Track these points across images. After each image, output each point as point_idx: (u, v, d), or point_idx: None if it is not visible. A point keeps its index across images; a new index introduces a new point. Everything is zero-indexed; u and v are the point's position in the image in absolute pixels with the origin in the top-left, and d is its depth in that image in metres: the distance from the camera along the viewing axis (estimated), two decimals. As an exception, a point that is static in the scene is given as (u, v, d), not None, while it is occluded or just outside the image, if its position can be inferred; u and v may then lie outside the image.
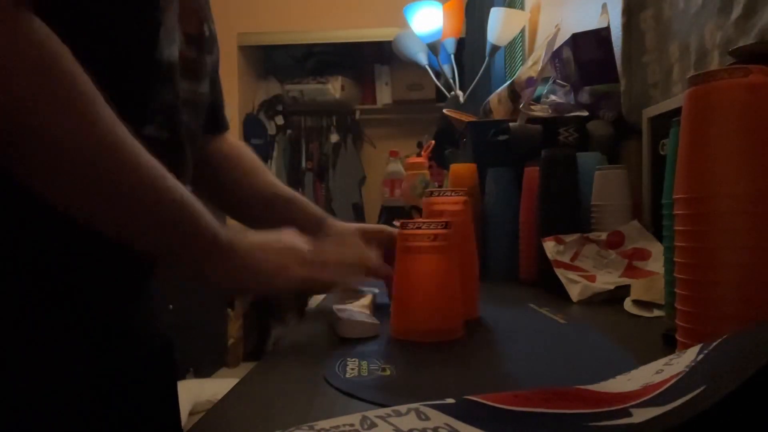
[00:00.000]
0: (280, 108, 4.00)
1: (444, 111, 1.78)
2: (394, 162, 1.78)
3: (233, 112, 3.66)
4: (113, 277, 0.58)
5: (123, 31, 0.51)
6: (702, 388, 0.27)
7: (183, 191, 0.51)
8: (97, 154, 0.45)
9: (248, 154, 0.81)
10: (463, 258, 0.66)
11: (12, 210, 0.49)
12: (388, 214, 1.88)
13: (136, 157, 0.47)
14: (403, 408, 0.30)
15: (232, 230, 0.56)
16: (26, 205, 0.48)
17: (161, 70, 0.54)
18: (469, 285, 0.68)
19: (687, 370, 0.30)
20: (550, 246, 0.86)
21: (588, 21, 1.40)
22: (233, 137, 0.83)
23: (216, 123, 0.78)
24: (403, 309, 0.60)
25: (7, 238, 0.49)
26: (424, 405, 0.30)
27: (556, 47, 1.31)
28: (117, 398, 0.57)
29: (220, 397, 0.43)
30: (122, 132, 0.46)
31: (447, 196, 0.71)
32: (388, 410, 0.30)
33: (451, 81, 2.62)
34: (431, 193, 0.72)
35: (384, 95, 4.04)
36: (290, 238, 0.61)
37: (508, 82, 1.54)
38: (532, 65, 1.44)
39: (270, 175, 0.80)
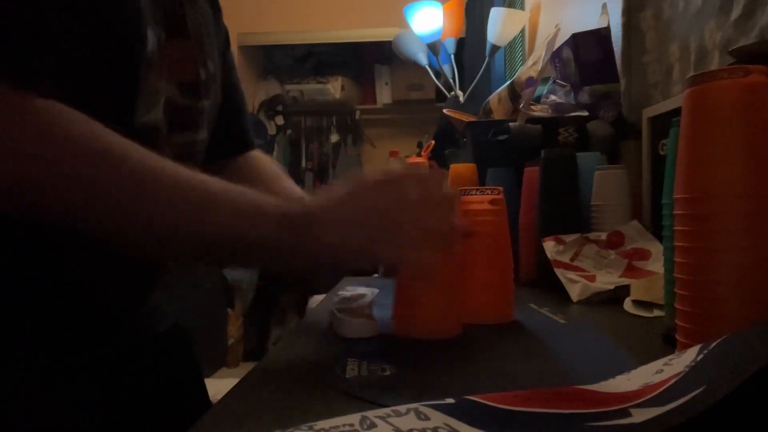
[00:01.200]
0: (280, 108, 4.00)
1: (444, 111, 1.78)
2: (394, 162, 1.78)
3: (233, 112, 3.65)
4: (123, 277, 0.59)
5: (97, 100, 0.49)
6: (702, 388, 0.27)
7: (224, 184, 0.49)
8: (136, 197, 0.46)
9: (267, 164, 0.80)
10: (498, 258, 0.66)
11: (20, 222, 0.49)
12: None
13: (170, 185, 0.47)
14: (402, 408, 0.30)
15: (301, 201, 0.51)
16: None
17: (140, 135, 0.52)
18: (505, 288, 0.68)
19: (687, 370, 0.30)
20: (549, 246, 0.86)
21: (588, 21, 1.40)
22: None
23: (239, 144, 0.78)
24: (410, 305, 0.60)
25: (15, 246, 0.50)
26: (424, 405, 0.30)
27: (556, 47, 1.31)
28: (132, 383, 0.59)
29: (220, 397, 0.43)
30: (153, 165, 0.47)
31: (477, 195, 0.67)
32: (387, 410, 0.30)
33: (451, 81, 2.62)
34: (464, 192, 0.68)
35: (384, 95, 4.03)
36: (372, 196, 0.51)
37: (508, 82, 1.54)
38: (532, 65, 1.44)
39: (289, 182, 0.78)
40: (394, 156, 1.82)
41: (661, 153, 0.91)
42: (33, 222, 0.46)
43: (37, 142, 0.44)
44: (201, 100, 0.62)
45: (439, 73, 2.72)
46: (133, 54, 0.51)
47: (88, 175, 0.45)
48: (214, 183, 0.49)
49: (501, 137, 1.17)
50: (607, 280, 0.79)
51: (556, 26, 1.58)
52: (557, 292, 0.80)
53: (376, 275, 0.59)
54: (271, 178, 0.77)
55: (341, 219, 0.50)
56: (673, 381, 0.30)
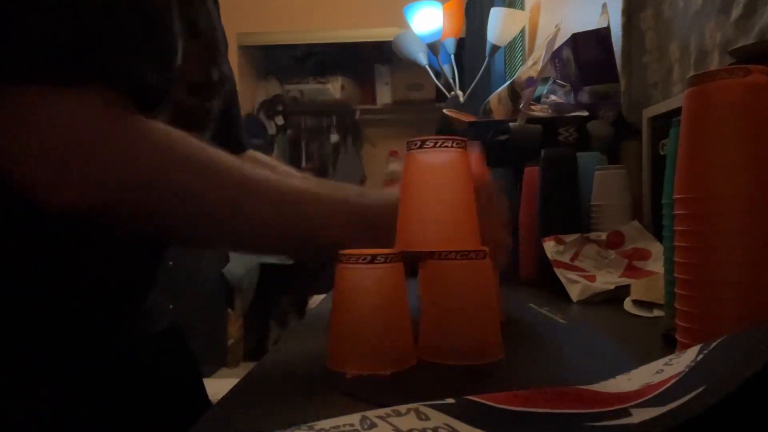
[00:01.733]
0: (280, 108, 4.00)
1: (444, 111, 1.78)
2: (394, 162, 1.78)
3: (233, 112, 3.65)
4: (120, 279, 0.59)
5: None
6: (702, 388, 0.27)
7: (304, 188, 0.54)
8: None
9: (267, 162, 0.81)
10: None
11: (20, 221, 0.49)
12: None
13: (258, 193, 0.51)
14: (402, 408, 0.30)
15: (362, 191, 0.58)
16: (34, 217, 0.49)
17: None
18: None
19: (687, 370, 0.30)
20: (549, 246, 0.86)
21: (588, 21, 1.40)
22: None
23: (235, 146, 0.78)
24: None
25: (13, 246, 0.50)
26: (424, 405, 0.30)
27: (556, 47, 1.31)
28: (130, 384, 0.58)
29: (220, 397, 0.43)
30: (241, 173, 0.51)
31: None
32: (387, 410, 0.30)
33: (451, 81, 2.62)
34: None
35: (384, 95, 4.03)
36: None
37: (508, 82, 1.54)
38: (532, 65, 1.44)
39: (298, 178, 0.79)
40: (394, 156, 1.82)
41: (661, 153, 0.91)
42: (127, 231, 0.50)
43: (159, 160, 0.47)
44: (209, 101, 0.61)
45: (439, 73, 2.72)
46: (167, 71, 0.51)
47: (199, 188, 0.48)
48: (302, 185, 0.54)
49: (501, 137, 1.17)
50: (607, 280, 0.79)
51: (556, 26, 1.58)
52: (557, 292, 0.80)
53: None
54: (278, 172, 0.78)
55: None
56: (673, 381, 0.30)
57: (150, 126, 0.47)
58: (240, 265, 3.31)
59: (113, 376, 0.57)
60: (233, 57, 3.63)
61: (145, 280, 0.64)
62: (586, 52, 1.19)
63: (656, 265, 0.78)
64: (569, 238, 0.86)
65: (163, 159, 0.47)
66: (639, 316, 0.67)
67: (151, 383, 0.62)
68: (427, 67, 2.75)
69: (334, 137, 4.00)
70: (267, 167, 0.78)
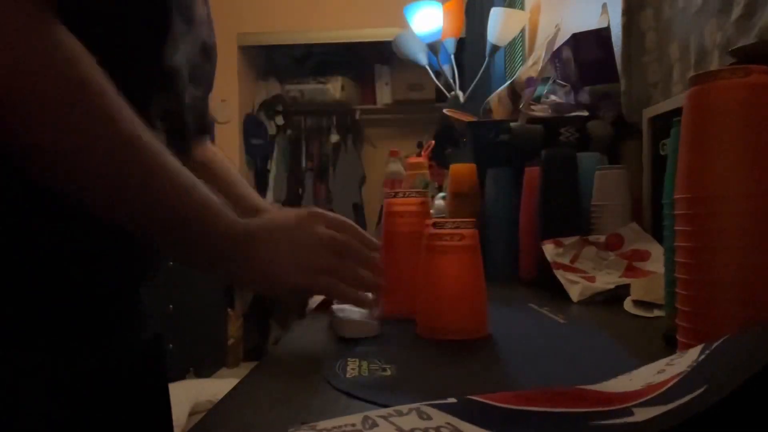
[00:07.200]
0: (280, 108, 4.00)
1: (444, 111, 1.78)
2: (394, 162, 1.78)
3: (233, 112, 3.65)
4: (102, 283, 0.57)
5: (128, 38, 0.51)
6: (703, 388, 0.27)
7: (201, 187, 0.51)
8: (116, 150, 0.46)
9: (228, 164, 0.80)
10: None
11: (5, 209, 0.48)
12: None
13: (154, 154, 0.48)
14: (404, 408, 0.30)
15: (252, 220, 0.56)
16: (21, 206, 0.48)
17: (162, 77, 0.54)
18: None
19: (689, 370, 0.30)
20: (549, 249, 0.86)
21: (588, 21, 1.40)
22: (231, 137, 0.81)
23: (203, 126, 0.78)
24: (434, 307, 0.61)
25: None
26: (426, 405, 0.30)
27: (556, 47, 1.31)
28: (101, 400, 0.56)
29: (220, 397, 0.43)
30: (141, 129, 0.48)
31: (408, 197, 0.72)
32: (389, 410, 0.30)
33: (451, 81, 2.62)
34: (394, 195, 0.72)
35: (384, 95, 4.04)
36: (310, 226, 0.57)
37: (508, 82, 1.54)
38: (532, 65, 1.44)
39: (249, 188, 0.79)
40: (395, 156, 1.82)
41: (661, 153, 0.91)
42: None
43: (44, 58, 0.44)
44: (209, 62, 0.63)
45: (439, 73, 2.72)
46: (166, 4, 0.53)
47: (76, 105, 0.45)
48: (191, 176, 0.51)
49: (501, 137, 1.17)
50: (607, 280, 0.79)
51: (556, 26, 1.58)
52: (557, 292, 0.80)
53: None
54: (228, 182, 0.78)
55: (275, 240, 0.55)
56: (674, 381, 0.30)
57: (58, 31, 0.44)
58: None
59: (84, 384, 0.54)
60: (233, 57, 3.64)
61: (135, 272, 0.62)
62: (586, 52, 1.19)
63: (656, 266, 0.78)
64: (568, 240, 0.87)
65: (51, 58, 0.44)
66: (639, 316, 0.67)
67: (117, 401, 0.59)
68: (427, 67, 2.75)
69: (334, 137, 4.00)
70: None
